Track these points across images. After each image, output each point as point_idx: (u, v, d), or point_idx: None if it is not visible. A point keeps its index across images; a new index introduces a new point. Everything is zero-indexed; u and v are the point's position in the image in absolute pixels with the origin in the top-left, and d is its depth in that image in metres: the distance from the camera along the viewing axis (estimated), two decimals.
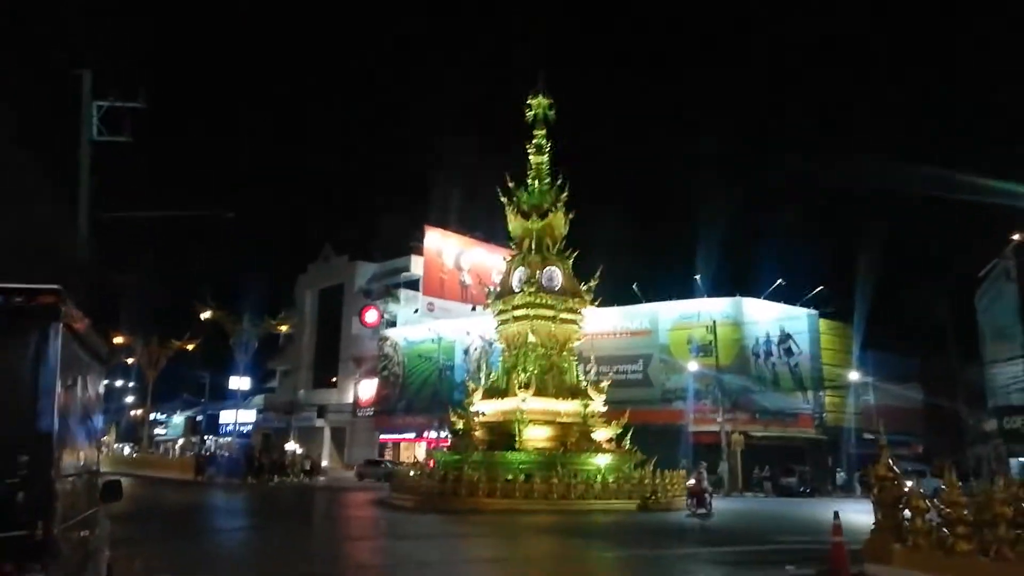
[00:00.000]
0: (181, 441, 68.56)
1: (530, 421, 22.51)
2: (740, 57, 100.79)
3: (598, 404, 23.72)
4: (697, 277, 39.65)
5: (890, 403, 42.89)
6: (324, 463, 51.28)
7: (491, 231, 60.91)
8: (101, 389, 4.84)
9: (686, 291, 40.67)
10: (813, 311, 41.69)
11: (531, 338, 23.91)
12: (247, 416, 60.99)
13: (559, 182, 25.46)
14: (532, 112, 26.54)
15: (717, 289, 40.00)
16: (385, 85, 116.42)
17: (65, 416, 3.47)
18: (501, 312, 25.22)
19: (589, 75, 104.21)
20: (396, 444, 52.09)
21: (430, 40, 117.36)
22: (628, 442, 23.58)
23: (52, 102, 14.07)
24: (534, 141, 26.41)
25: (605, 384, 24.41)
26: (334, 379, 58.06)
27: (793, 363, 40.39)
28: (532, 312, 24.01)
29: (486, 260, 59.68)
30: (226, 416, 61.40)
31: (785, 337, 40.22)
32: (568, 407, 23.33)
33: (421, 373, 48.88)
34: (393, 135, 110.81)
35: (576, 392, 23.93)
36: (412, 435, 49.23)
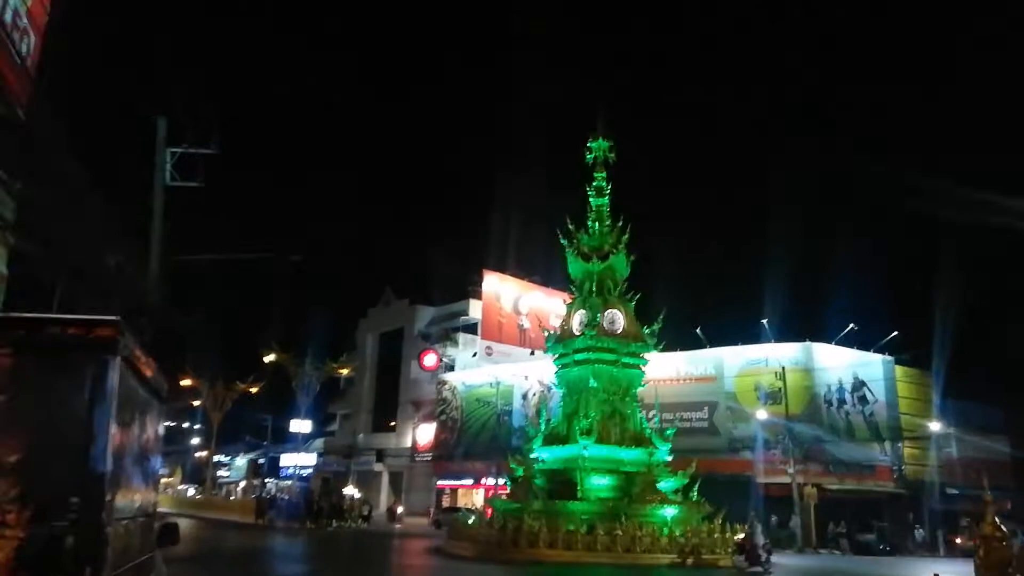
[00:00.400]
0: (243, 483, 69.42)
1: (592, 469, 21.80)
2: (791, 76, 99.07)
3: (663, 453, 22.85)
4: (764, 321, 38.38)
5: (974, 455, 40.35)
6: (381, 508, 51.05)
7: (549, 275, 60.82)
8: (160, 428, 4.66)
9: (752, 336, 39.41)
10: (888, 357, 39.78)
11: (592, 383, 23.33)
12: (307, 459, 61.50)
13: (620, 224, 25.12)
14: (592, 155, 26.44)
15: (785, 334, 38.60)
16: (443, 129, 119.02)
17: (120, 456, 3.28)
18: (561, 356, 24.77)
19: (651, 111, 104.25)
20: (454, 490, 51.50)
21: (490, 80, 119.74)
22: (695, 493, 22.57)
23: (130, 146, 14.54)
24: (594, 184, 26.23)
25: (670, 432, 23.54)
26: (393, 423, 58.13)
27: (868, 412, 38.42)
28: (593, 356, 23.49)
29: (544, 304, 59.42)
30: (287, 459, 62.00)
31: (859, 384, 38.39)
32: (631, 455, 22.54)
33: (479, 418, 48.44)
34: (452, 179, 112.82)
35: (639, 440, 23.15)
36: (470, 481, 48.59)
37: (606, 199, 25.97)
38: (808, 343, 38.03)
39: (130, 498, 3.50)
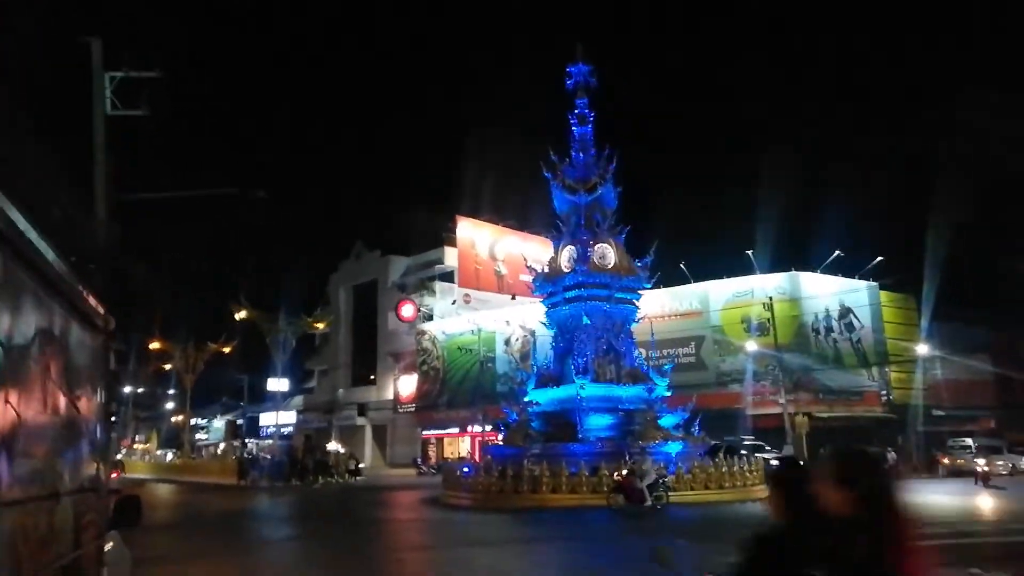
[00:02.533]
0: (222, 445, 68.22)
1: (591, 409, 20.90)
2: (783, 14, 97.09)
3: (662, 389, 22.01)
4: (750, 252, 37.57)
5: (959, 377, 40.50)
6: (367, 461, 50.30)
7: (524, 219, 59.44)
8: (98, 371, 3.30)
9: (737, 268, 38.65)
10: (873, 283, 39.39)
11: (585, 320, 22.27)
12: (287, 418, 60.27)
13: (606, 153, 23.73)
14: (572, 80, 24.83)
15: (771, 264, 37.92)
16: (409, 72, 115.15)
17: None
18: (551, 295, 23.63)
19: (630, 39, 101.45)
20: (439, 440, 50.89)
21: (457, 23, 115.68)
22: (697, 428, 21.86)
23: (61, 74, 12.73)
24: (576, 111, 24.70)
25: (668, 367, 22.68)
26: (372, 376, 57.04)
27: (855, 339, 38.18)
28: (585, 292, 22.37)
29: (521, 249, 57.84)
30: (266, 418, 60.75)
31: (845, 312, 38.02)
32: (630, 393, 21.68)
33: (461, 366, 47.49)
34: (417, 124, 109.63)
35: (637, 377, 22.27)
36: (456, 430, 47.94)
37: (589, 127, 24.50)
38: (794, 272, 37.41)
39: (30, 467, 2.16)
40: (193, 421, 65.31)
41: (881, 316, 39.52)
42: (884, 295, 40.01)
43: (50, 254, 2.41)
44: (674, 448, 20.16)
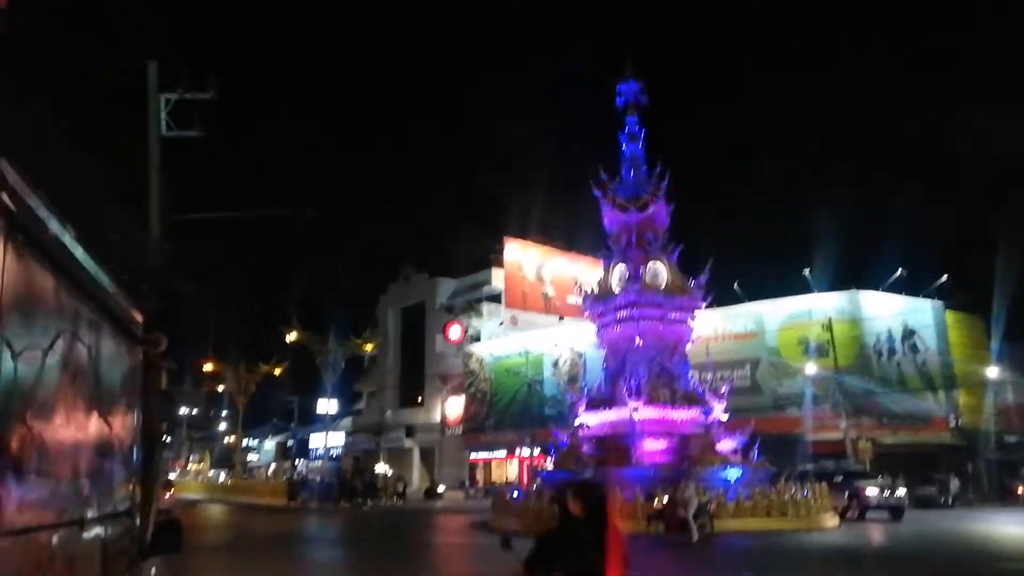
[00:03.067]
0: (273, 466, 68.89)
1: (644, 433, 20.23)
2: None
3: (719, 412, 21.23)
4: (806, 271, 36.35)
5: None
6: (414, 484, 50.11)
7: (572, 240, 59.07)
8: (133, 384, 3.02)
9: (794, 288, 37.42)
10: (938, 302, 37.73)
11: (638, 341, 21.68)
12: (336, 439, 60.66)
13: (657, 171, 23.24)
14: (622, 98, 24.51)
15: (829, 283, 36.64)
16: (457, 92, 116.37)
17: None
18: (602, 315, 23.08)
19: (678, 56, 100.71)
20: (487, 463, 50.39)
21: (505, 38, 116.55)
22: (755, 453, 20.98)
23: (118, 96, 12.90)
24: (626, 130, 24.33)
25: (725, 390, 21.88)
26: (420, 398, 57.00)
27: (920, 361, 36.50)
28: (637, 312, 21.79)
29: (568, 270, 57.65)
30: (316, 440, 61.18)
31: (909, 332, 36.43)
32: (686, 416, 20.95)
33: (509, 388, 47.04)
34: (466, 145, 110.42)
35: (692, 399, 21.53)
36: (503, 453, 47.40)
37: (640, 145, 24.08)
38: (854, 291, 36.05)
39: (46, 490, 1.86)
40: (245, 442, 66.23)
41: (947, 337, 37.77)
42: (950, 315, 38.28)
43: (78, 250, 2.13)
44: (733, 474, 19.35)
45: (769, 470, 20.75)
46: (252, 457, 75.36)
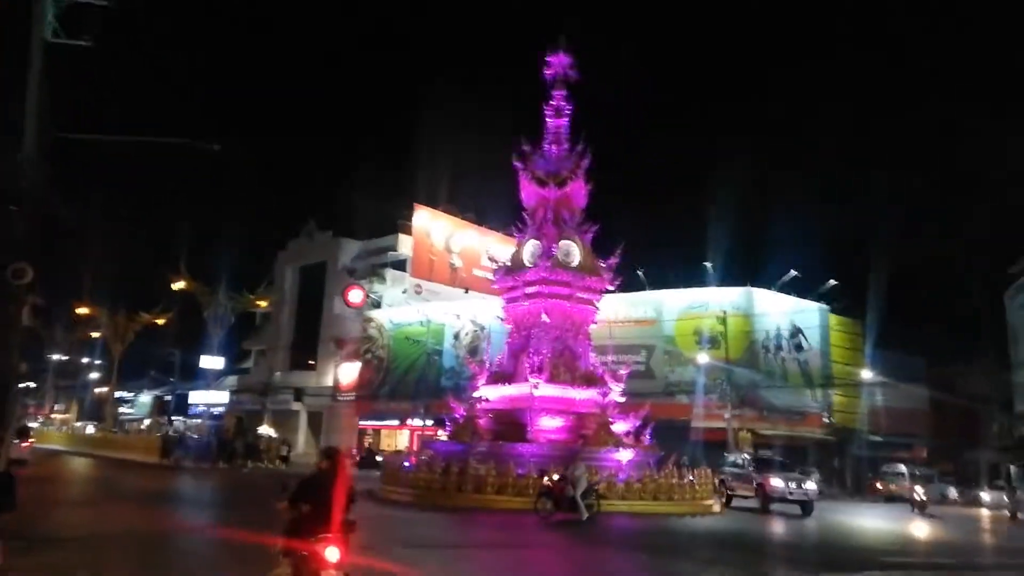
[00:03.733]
0: (148, 422, 65.31)
1: (543, 410, 20.16)
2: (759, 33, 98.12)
3: (616, 394, 21.43)
4: (708, 264, 37.44)
5: (898, 405, 41.28)
6: (299, 448, 48.69)
7: (483, 214, 58.54)
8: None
9: (693, 279, 38.52)
10: (824, 305, 39.79)
11: (545, 318, 21.53)
12: (219, 397, 57.99)
13: (579, 148, 23.04)
14: (552, 71, 24.10)
15: (727, 278, 37.89)
16: (378, 44, 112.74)
17: None
18: (511, 289, 22.79)
19: (605, 41, 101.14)
20: (376, 431, 49.57)
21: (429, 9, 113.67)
22: (648, 437, 21.34)
23: None
24: (552, 102, 23.96)
25: (624, 372, 22.10)
26: (313, 361, 55.21)
27: (803, 359, 38.44)
28: (547, 289, 21.62)
29: (478, 243, 57.17)
30: (196, 397, 58.27)
31: (796, 331, 38.25)
32: (584, 396, 21.02)
33: (407, 357, 46.28)
34: (382, 104, 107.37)
35: (592, 380, 21.64)
36: (395, 422, 46.72)
37: (565, 120, 23.79)
38: (749, 288, 37.44)
39: None
40: (118, 394, 62.44)
41: (829, 339, 39.94)
42: (833, 318, 40.45)
43: None
44: (625, 456, 19.58)
45: (658, 454, 21.13)
46: (126, 410, 71.26)
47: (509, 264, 23.35)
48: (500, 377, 22.21)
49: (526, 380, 20.91)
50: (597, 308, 22.83)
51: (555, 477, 16.30)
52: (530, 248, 22.70)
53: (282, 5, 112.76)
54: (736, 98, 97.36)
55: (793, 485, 21.34)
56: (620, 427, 21.02)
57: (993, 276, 34.67)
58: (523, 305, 22.35)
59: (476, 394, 22.16)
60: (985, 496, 30.96)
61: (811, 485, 22.10)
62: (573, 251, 22.52)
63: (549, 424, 20.23)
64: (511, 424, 20.55)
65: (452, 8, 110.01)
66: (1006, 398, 36.46)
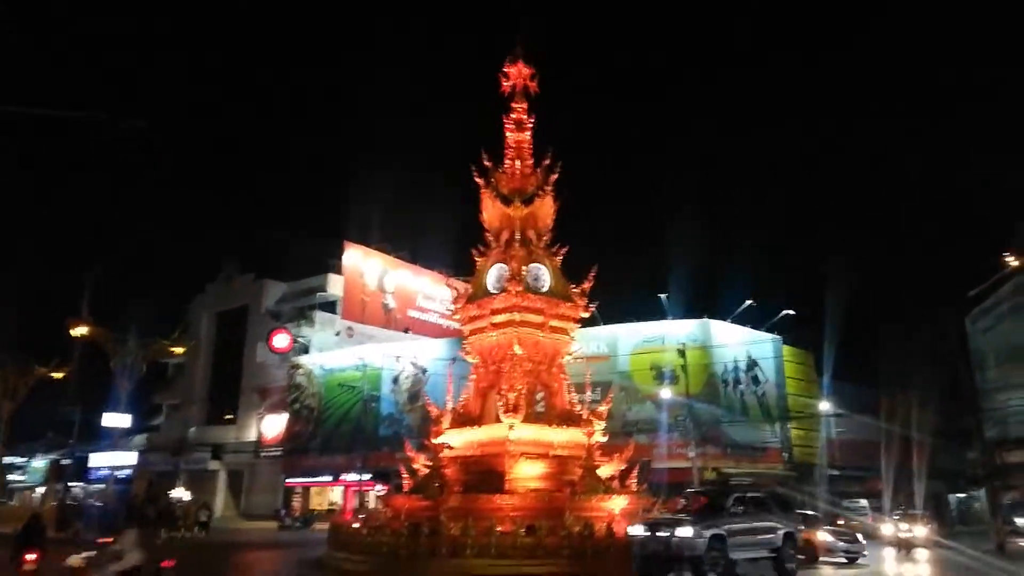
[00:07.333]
0: (42, 489, 58.29)
1: (521, 454, 17.51)
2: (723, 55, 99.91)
3: (599, 434, 19.02)
4: (663, 296, 35.96)
5: (854, 437, 40.49)
6: (218, 512, 43.92)
7: (416, 252, 55.87)
8: None
9: (647, 312, 36.95)
10: (777, 336, 38.87)
11: (517, 350, 19.02)
12: (126, 459, 52.07)
13: (546, 163, 20.97)
14: (511, 82, 22.13)
15: (682, 310, 36.48)
16: (307, 76, 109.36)
17: None
18: (475, 319, 20.20)
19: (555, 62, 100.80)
20: (306, 488, 45.29)
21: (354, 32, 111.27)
22: (636, 481, 18.97)
23: None
24: (512, 116, 21.91)
25: (605, 409, 19.75)
26: (231, 415, 50.63)
27: (760, 392, 37.25)
28: (518, 317, 19.15)
29: (412, 283, 54.59)
30: (98, 459, 52.15)
31: (752, 364, 37.06)
32: (564, 437, 18.50)
33: (341, 405, 42.67)
34: (308, 135, 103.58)
35: (571, 418, 19.16)
36: (328, 478, 42.71)
37: (527, 134, 21.74)
38: (706, 320, 36.15)
39: None
40: (8, 459, 55.47)
41: (783, 370, 38.95)
42: (787, 350, 39.59)
43: None
44: (619, 504, 17.13)
45: (651, 500, 18.78)
46: (17, 477, 63.69)
47: (470, 291, 20.80)
48: (465, 420, 19.45)
49: (498, 421, 18.27)
50: (572, 338, 20.51)
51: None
52: (495, 272, 20.24)
53: (212, 33, 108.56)
54: (686, 121, 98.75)
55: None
56: (606, 470, 18.58)
57: (955, 301, 34.41)
58: (490, 336, 19.78)
59: (438, 440, 19.27)
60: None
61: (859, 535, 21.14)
62: (543, 275, 20.21)
63: (528, 470, 17.58)
64: (483, 473, 17.80)
65: (385, 33, 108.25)
66: (971, 427, 36.00)
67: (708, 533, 15.30)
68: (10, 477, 61.06)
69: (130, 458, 51.71)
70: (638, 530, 15.80)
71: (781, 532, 16.83)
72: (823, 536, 20.74)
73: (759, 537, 16.48)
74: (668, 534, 15.35)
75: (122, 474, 50.12)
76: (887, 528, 29.27)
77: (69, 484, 48.61)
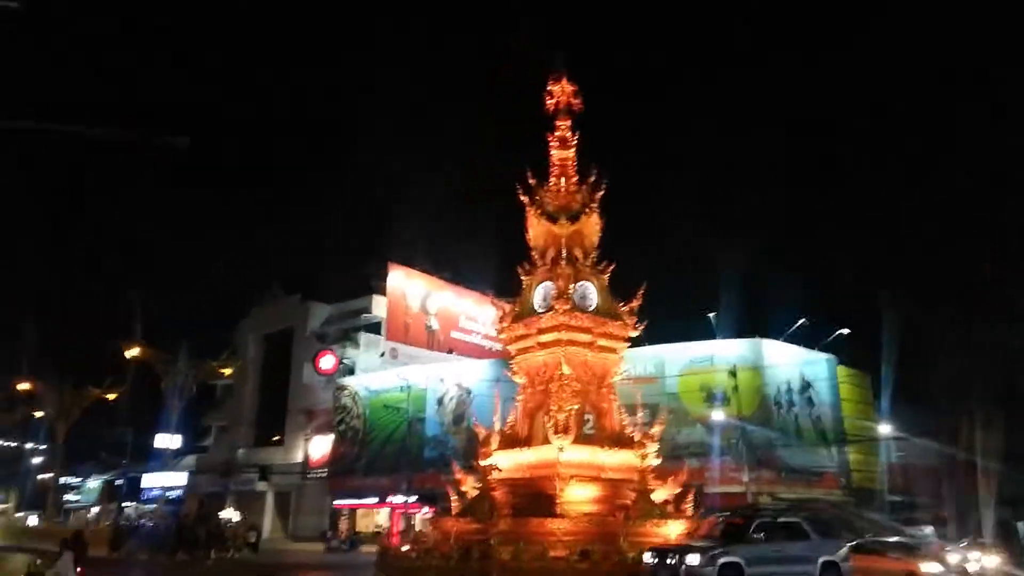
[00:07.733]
0: (96, 509, 59.54)
1: (572, 477, 17.07)
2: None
3: (653, 456, 18.49)
4: (711, 315, 35.12)
5: (916, 461, 38.79)
6: (266, 532, 44.07)
7: (458, 275, 55.88)
8: None
9: (695, 332, 36.12)
10: (831, 356, 37.60)
11: (565, 369, 18.64)
12: (176, 479, 52.94)
13: (592, 180, 20.70)
14: (554, 100, 21.98)
15: (732, 330, 35.56)
16: (345, 98, 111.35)
17: None
18: (522, 338, 19.91)
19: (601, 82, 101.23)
20: (353, 510, 45.19)
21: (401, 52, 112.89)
22: (692, 506, 18.33)
23: None
24: (557, 133, 21.75)
25: (658, 431, 19.19)
26: (279, 436, 50.98)
27: (815, 415, 35.98)
28: (565, 336, 18.83)
29: (454, 305, 54.57)
30: (150, 479, 53.07)
31: (806, 385, 35.88)
32: (616, 459, 18.02)
33: (386, 427, 42.59)
34: (353, 158, 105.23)
35: (622, 440, 18.68)
36: (374, 499, 42.53)
37: (572, 151, 21.54)
38: (757, 339, 35.16)
39: None
40: (63, 480, 56.91)
41: (838, 392, 37.62)
42: (841, 370, 38.25)
43: None
44: (675, 529, 16.55)
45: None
46: (72, 497, 65.20)
47: (517, 310, 20.53)
48: (513, 441, 19.11)
49: (547, 442, 17.88)
50: (621, 358, 20.07)
51: None
52: (542, 291, 19.96)
53: (251, 51, 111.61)
54: (735, 137, 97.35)
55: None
56: (660, 494, 18.01)
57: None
58: (537, 356, 19.47)
59: (486, 462, 18.94)
60: None
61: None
62: (590, 293, 19.86)
63: (579, 494, 17.13)
64: (533, 495, 17.40)
65: (425, 57, 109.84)
66: None
67: (721, 561, 14.15)
68: (66, 497, 62.50)
69: (181, 479, 52.60)
70: (647, 556, 14.89)
71: (820, 560, 15.20)
72: (929, 568, 18.92)
73: (787, 567, 14.91)
74: (676, 561, 14.35)
75: (173, 494, 50.93)
76: (955, 557, 27.82)
77: (123, 504, 49.56)
